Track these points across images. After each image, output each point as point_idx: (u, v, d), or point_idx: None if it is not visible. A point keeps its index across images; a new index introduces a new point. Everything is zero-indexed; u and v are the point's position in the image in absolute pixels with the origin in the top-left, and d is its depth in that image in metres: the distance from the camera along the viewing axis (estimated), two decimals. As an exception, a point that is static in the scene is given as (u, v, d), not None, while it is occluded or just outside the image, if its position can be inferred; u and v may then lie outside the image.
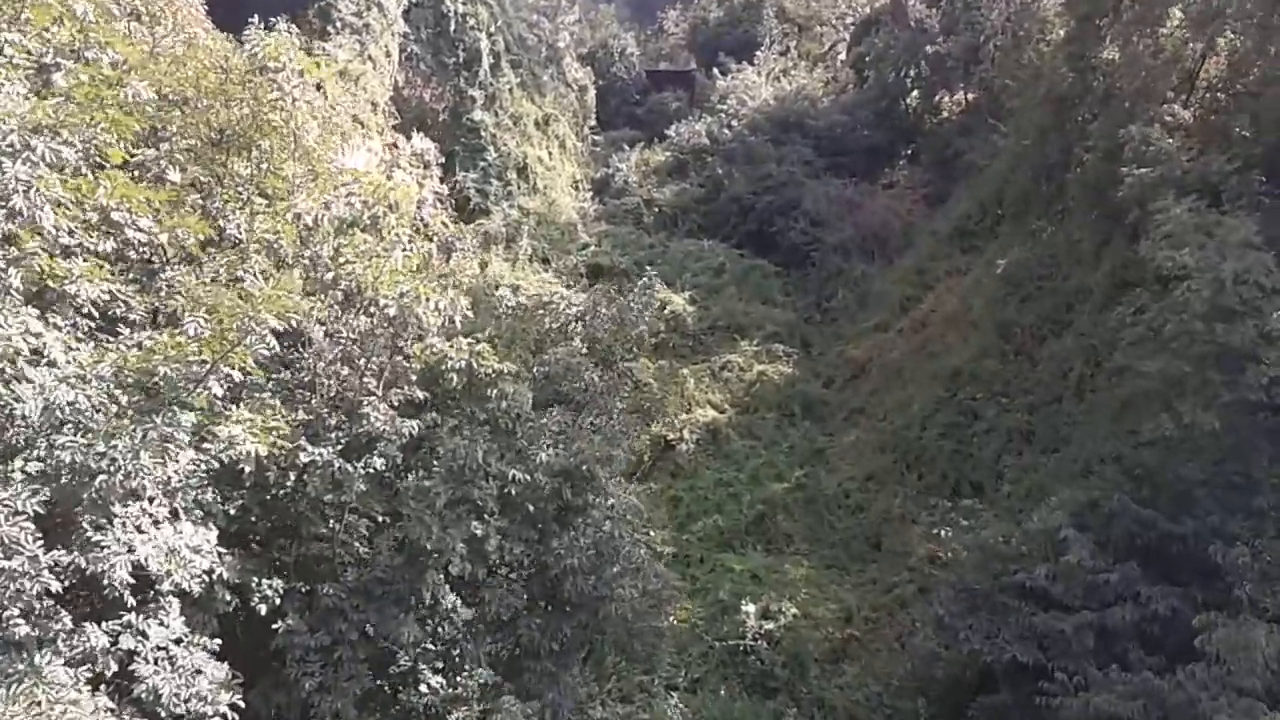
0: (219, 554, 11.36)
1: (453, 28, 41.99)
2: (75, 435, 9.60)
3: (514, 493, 13.57)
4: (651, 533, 16.07)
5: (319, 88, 32.12)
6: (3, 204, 9.24)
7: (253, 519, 13.08)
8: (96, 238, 11.60)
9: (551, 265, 41.05)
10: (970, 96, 46.76)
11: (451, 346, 13.96)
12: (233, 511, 12.40)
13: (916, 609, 23.97)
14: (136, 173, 13.60)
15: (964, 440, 29.13)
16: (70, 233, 10.12)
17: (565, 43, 53.47)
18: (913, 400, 31.32)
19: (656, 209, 47.21)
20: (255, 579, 12.53)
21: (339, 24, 36.60)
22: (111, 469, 9.49)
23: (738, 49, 57.25)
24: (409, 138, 37.52)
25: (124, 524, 9.78)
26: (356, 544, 13.53)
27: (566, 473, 14.26)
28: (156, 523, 10.09)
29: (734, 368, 36.10)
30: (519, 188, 43.55)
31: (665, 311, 36.11)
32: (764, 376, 35.67)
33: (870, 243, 42.87)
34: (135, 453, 9.52)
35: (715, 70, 55.69)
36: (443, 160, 37.22)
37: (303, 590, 13.28)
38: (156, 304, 12.63)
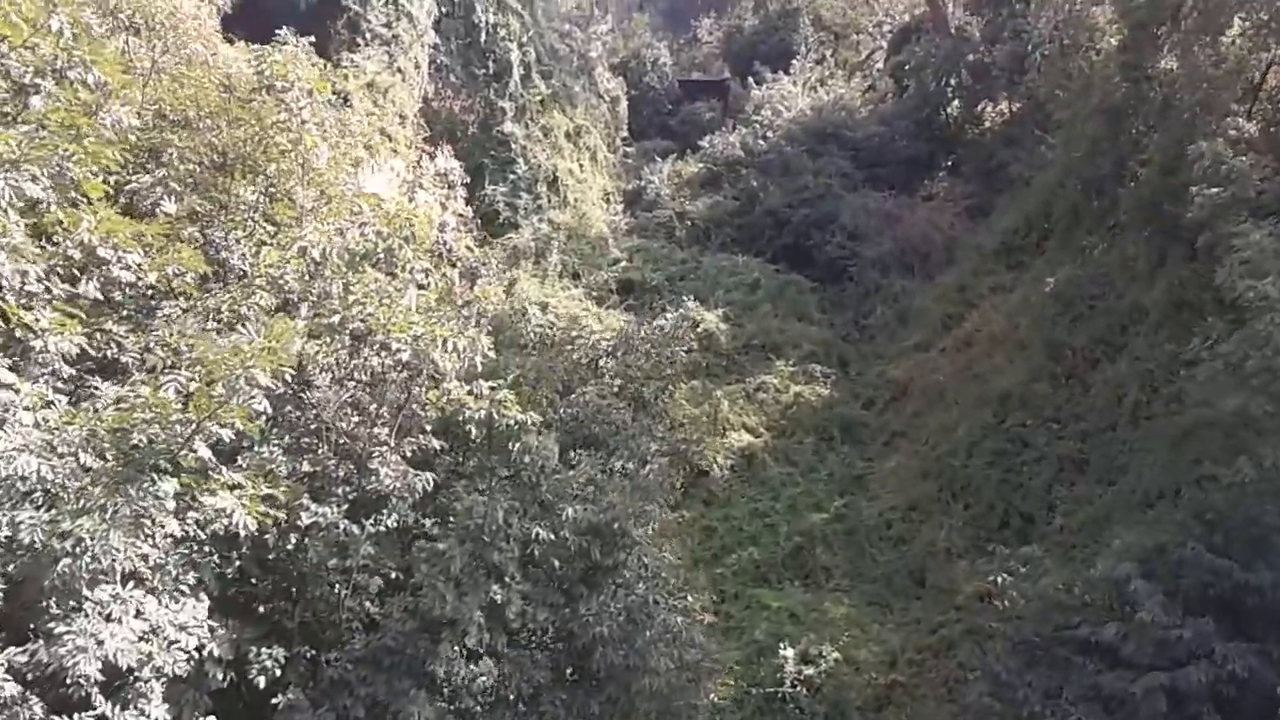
0: (210, 628, 10.31)
1: (483, 39, 41.07)
2: (40, 510, 8.50)
3: (537, 553, 12.40)
4: (690, 597, 14.79)
5: (345, 100, 31.59)
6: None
7: (252, 581, 12.00)
8: (83, 278, 10.58)
9: (582, 280, 39.86)
10: (1015, 107, 45.17)
11: (471, 394, 12.79)
12: (230, 574, 11.34)
13: (964, 651, 22.62)
14: (131, 200, 12.61)
15: (1013, 469, 27.66)
16: (39, 279, 9.03)
17: (597, 53, 52.34)
18: (958, 425, 29.87)
19: (689, 222, 45.79)
20: (254, 648, 11.43)
21: (368, 35, 35.78)
22: (77, 551, 8.40)
23: (773, 58, 55.74)
24: (438, 149, 36.63)
25: (94, 611, 8.66)
26: (366, 604, 12.41)
27: (596, 530, 13.05)
28: (131, 607, 8.95)
29: (769, 389, 34.71)
30: (549, 201, 42.48)
31: (698, 330, 34.73)
32: (801, 398, 34.28)
33: (910, 257, 41.34)
34: (104, 533, 8.40)
35: (750, 80, 54.25)
36: (468, 179, 36.14)
37: (308, 656, 12.17)
38: (151, 344, 11.57)
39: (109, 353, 11.45)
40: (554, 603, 12.68)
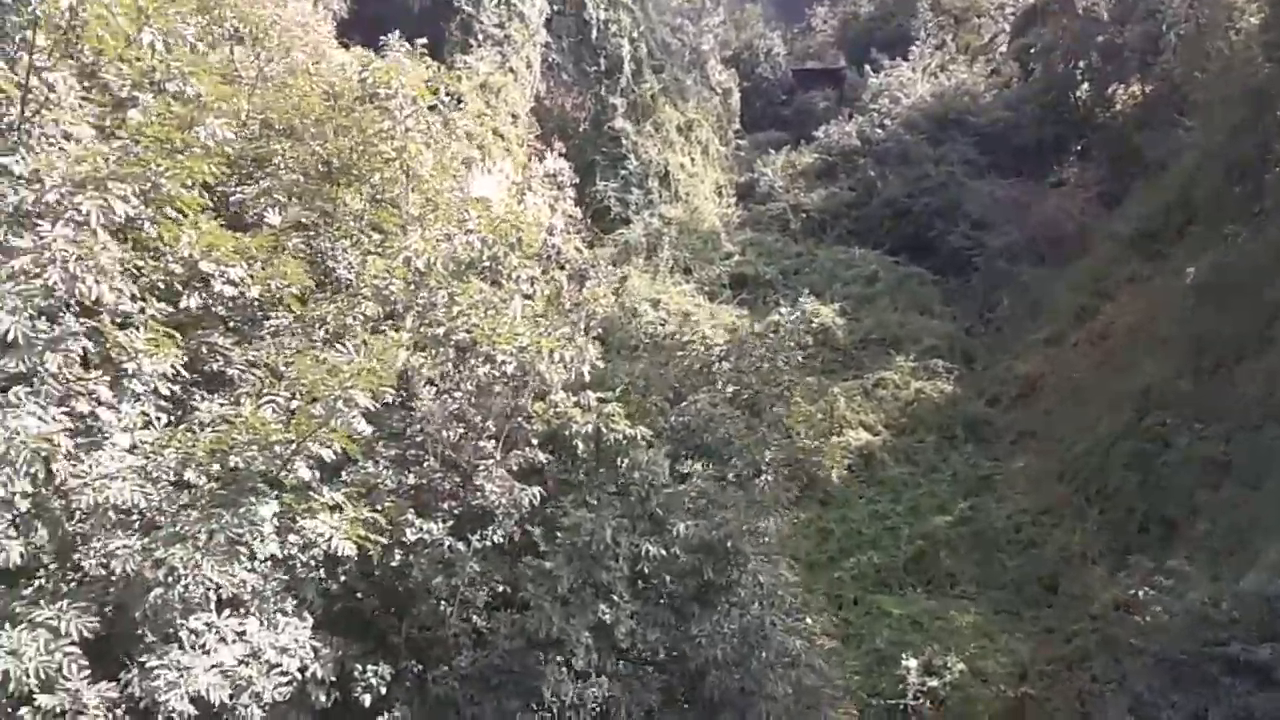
0: (314, 648, 10.13)
1: (594, 35, 40.90)
2: (134, 537, 8.37)
3: (647, 569, 11.94)
4: (809, 619, 14.13)
5: (459, 102, 31.63)
6: (37, 276, 7.98)
7: (357, 595, 11.79)
8: (185, 293, 10.49)
9: (694, 276, 39.39)
10: (1148, 89, 42.95)
11: (578, 408, 12.37)
12: (334, 590, 11.14)
13: (1099, 664, 21.34)
14: (239, 210, 12.54)
15: (1153, 470, 26.01)
16: (135, 297, 8.90)
17: (709, 45, 51.67)
18: (1094, 423, 28.36)
19: (804, 214, 44.87)
20: (359, 665, 11.23)
21: (480, 36, 35.99)
22: (170, 580, 8.29)
23: (890, 44, 54.29)
24: (550, 147, 36.52)
25: (190, 640, 8.51)
26: (474, 618, 12.10)
27: (708, 547, 12.51)
28: (229, 634, 8.78)
29: (889, 385, 33.64)
30: (660, 196, 42.17)
31: (814, 324, 33.95)
32: (922, 394, 33.15)
33: (1039, 246, 39.63)
34: (197, 561, 8.26)
35: (866, 67, 52.92)
36: (577, 180, 35.86)
37: (415, 672, 11.93)
38: (255, 357, 11.45)
39: (215, 365, 11.38)
40: (665, 622, 12.18)
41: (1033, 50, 48.11)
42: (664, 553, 12.03)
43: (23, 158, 8.46)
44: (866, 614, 24.40)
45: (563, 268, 22.38)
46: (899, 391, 33.37)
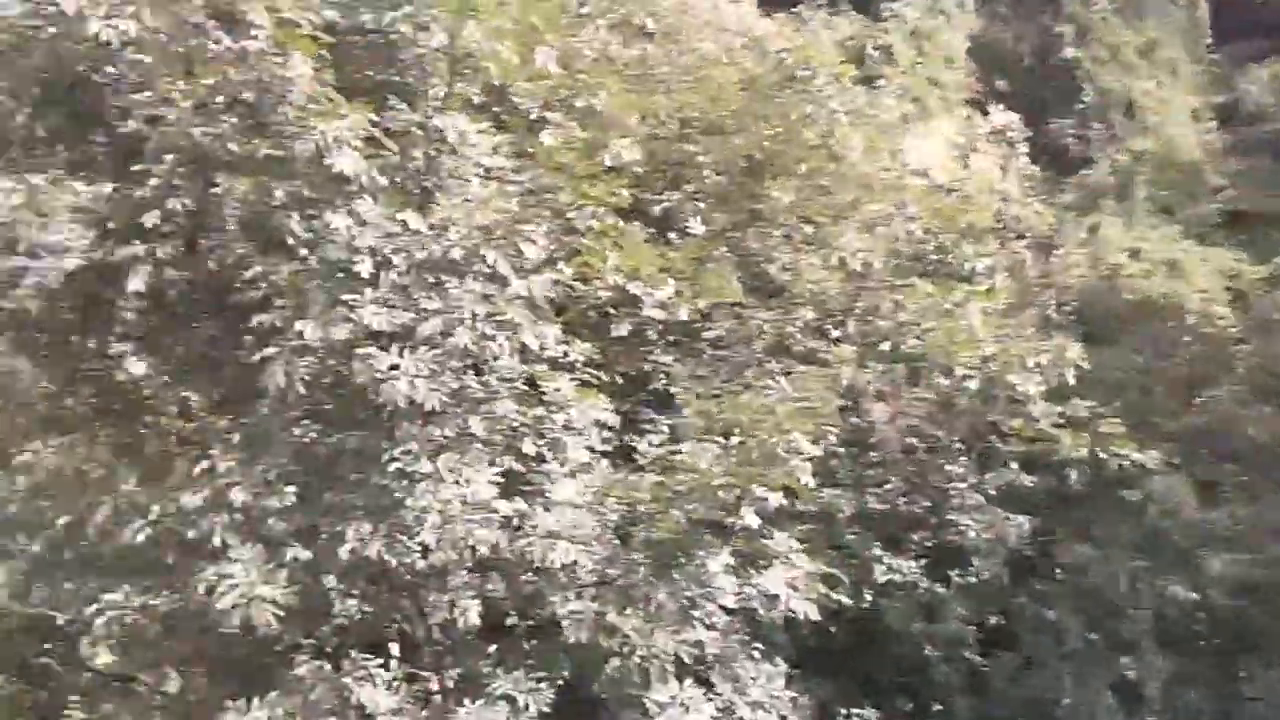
0: (791, 699, 9.09)
1: (1027, -44, 37.21)
2: (583, 599, 7.90)
3: (1173, 615, 9.71)
4: None
5: (889, 53, 29.75)
6: (444, 339, 7.37)
7: (830, 630, 10.57)
8: (614, 317, 9.88)
9: (1176, 216, 34.55)
10: None
11: (1065, 426, 10.22)
12: (804, 631, 10.00)
13: None
14: (664, 218, 11.76)
15: None
16: (558, 340, 8.22)
17: (1161, -52, 45.48)
18: None
19: (1304, 135, 38.07)
20: (842, 710, 10.05)
21: (907, -21, 33.69)
22: (625, 649, 7.65)
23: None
24: (992, 90, 33.59)
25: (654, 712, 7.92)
26: (966, 655, 10.46)
27: (1253, 587, 9.97)
28: (691, 708, 7.98)
29: None
30: (1124, 129, 37.47)
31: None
32: None
33: None
34: (648, 630, 7.65)
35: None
36: (1030, 133, 32.44)
37: (905, 712, 10.56)
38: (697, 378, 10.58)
39: (659, 385, 10.72)
40: (1206, 679, 9.86)
41: None
42: (1195, 596, 9.74)
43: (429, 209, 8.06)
44: None
45: (1022, 237, 19.96)
46: None
